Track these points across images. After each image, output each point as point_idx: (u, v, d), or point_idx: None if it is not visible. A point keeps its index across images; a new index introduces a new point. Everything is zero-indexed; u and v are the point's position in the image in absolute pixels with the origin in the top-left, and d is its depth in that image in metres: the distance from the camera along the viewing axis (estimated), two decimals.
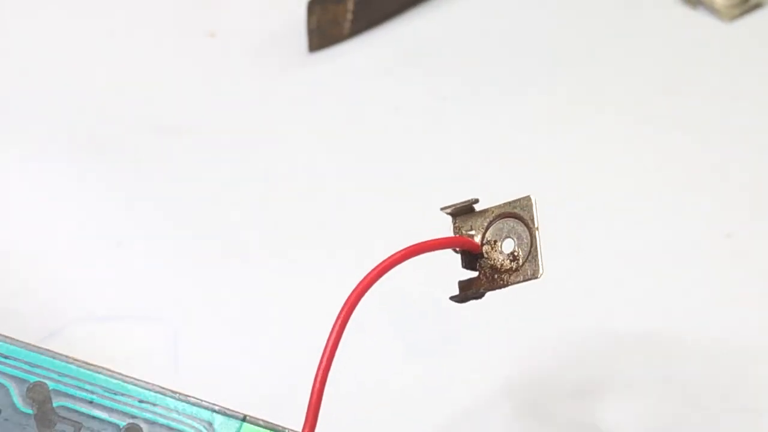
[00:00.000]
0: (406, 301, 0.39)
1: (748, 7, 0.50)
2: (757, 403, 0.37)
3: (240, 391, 0.36)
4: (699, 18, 0.50)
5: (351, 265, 0.40)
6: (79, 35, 0.50)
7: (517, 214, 0.28)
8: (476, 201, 0.28)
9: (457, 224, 0.28)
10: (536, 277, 0.27)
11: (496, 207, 0.28)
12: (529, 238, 0.27)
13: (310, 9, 0.48)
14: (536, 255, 0.27)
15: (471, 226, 0.28)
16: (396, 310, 0.39)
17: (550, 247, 0.41)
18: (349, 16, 0.48)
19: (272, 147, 0.45)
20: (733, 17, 0.49)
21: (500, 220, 0.28)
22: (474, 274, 0.28)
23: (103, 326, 0.39)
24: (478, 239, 0.28)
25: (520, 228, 0.28)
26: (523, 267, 0.27)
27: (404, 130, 0.46)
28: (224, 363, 0.38)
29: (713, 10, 0.49)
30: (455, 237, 0.28)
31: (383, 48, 0.49)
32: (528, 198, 0.27)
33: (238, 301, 0.40)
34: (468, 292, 0.28)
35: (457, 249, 0.28)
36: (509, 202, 0.28)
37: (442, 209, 0.28)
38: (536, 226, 0.27)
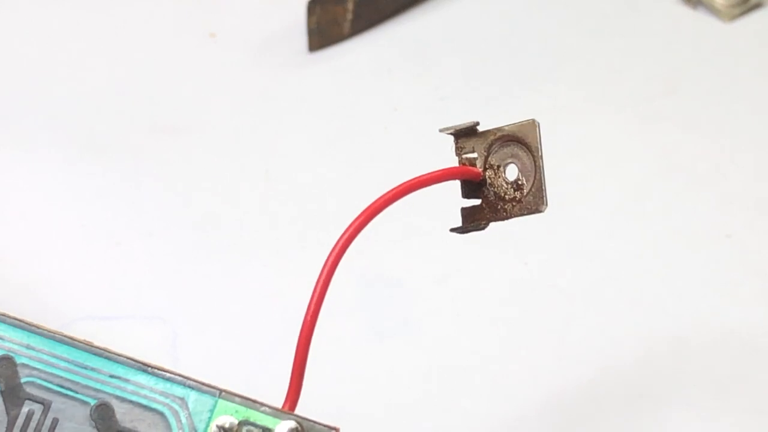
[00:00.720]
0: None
1: (748, 7, 0.50)
2: (757, 403, 0.37)
3: (240, 390, 0.36)
4: (699, 18, 0.50)
5: (350, 264, 0.40)
6: (80, 35, 0.50)
7: (521, 138, 0.26)
8: (477, 123, 0.27)
9: (459, 144, 0.27)
10: (540, 211, 0.26)
11: (497, 129, 0.26)
12: (533, 166, 0.26)
13: (310, 9, 0.48)
14: (540, 186, 0.26)
15: (473, 147, 0.27)
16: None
17: (550, 247, 0.41)
18: (349, 16, 0.48)
19: (272, 147, 0.45)
20: (733, 17, 0.49)
21: (503, 144, 0.26)
22: (476, 202, 0.27)
23: (103, 326, 0.39)
24: (479, 163, 0.27)
25: (524, 154, 0.26)
26: (527, 198, 0.26)
27: (404, 130, 0.46)
28: (225, 363, 0.38)
29: (713, 10, 0.49)
30: (456, 168, 0.27)
31: (383, 48, 0.49)
32: (532, 122, 0.26)
33: (238, 301, 0.40)
34: (469, 224, 0.27)
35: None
36: (513, 125, 0.26)
37: (441, 130, 0.27)
38: (540, 154, 0.26)
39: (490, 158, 0.26)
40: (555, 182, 0.43)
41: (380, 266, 0.40)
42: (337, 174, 0.44)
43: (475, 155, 0.27)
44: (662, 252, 0.41)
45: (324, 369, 0.35)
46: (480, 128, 0.27)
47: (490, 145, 0.26)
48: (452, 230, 0.27)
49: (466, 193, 0.27)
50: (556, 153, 0.45)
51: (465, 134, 0.27)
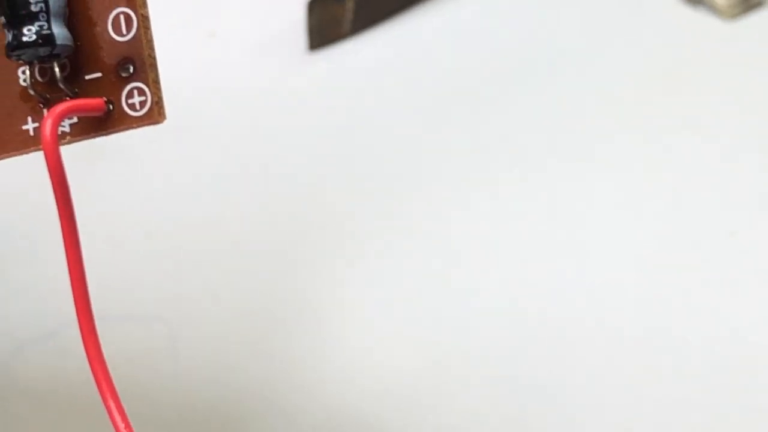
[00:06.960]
0: None
1: (748, 7, 0.50)
2: (758, 402, 0.37)
3: (241, 390, 0.36)
4: (699, 18, 0.50)
5: (349, 263, 0.41)
6: None
7: None
8: None
9: None
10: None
11: None
12: None
13: (310, 9, 0.48)
14: None
15: None
16: None
17: (551, 247, 0.41)
18: (349, 15, 0.48)
19: (272, 146, 0.45)
20: (734, 16, 0.49)
21: None
22: None
23: (103, 326, 0.39)
24: None
25: None
26: None
27: (404, 129, 0.46)
28: (224, 363, 0.38)
29: (713, 10, 0.49)
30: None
31: (383, 48, 0.49)
32: None
33: (238, 301, 0.40)
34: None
35: None
36: None
37: None
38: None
39: None
40: (556, 182, 0.44)
41: None
42: (336, 173, 0.44)
43: None
44: (664, 251, 0.41)
45: None
46: None
47: None
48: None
49: None
50: (556, 152, 0.45)
51: None
